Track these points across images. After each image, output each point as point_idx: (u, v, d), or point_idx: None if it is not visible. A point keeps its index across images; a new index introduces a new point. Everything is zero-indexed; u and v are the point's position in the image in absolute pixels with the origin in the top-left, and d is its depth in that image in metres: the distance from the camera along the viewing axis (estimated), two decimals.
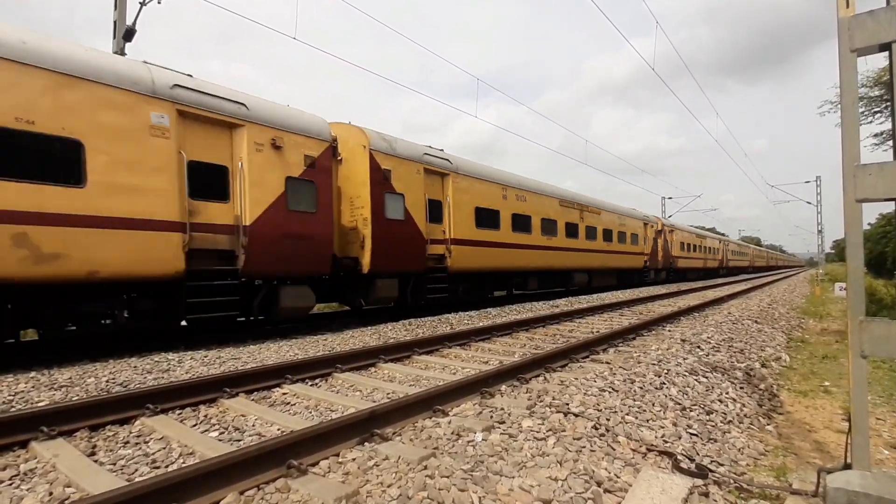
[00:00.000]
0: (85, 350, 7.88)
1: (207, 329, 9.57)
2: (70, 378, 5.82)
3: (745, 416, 4.87)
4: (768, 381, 6.45)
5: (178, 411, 4.54)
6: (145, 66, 7.84)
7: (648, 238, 29.21)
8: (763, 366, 7.24)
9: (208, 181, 8.39)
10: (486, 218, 15.02)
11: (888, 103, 9.67)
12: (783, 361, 7.89)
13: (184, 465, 3.33)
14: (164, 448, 3.66)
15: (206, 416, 4.48)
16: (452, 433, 3.66)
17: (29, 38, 6.61)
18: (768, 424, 4.85)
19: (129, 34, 10.99)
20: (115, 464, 3.42)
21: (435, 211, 13.16)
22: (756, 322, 11.23)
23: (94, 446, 3.74)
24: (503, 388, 5.00)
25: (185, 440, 3.77)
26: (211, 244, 8.32)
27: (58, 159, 6.70)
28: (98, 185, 6.94)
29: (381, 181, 11.49)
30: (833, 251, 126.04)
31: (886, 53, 3.12)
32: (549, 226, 18.46)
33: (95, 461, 3.44)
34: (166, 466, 3.39)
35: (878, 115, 9.50)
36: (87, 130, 6.93)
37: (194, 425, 4.24)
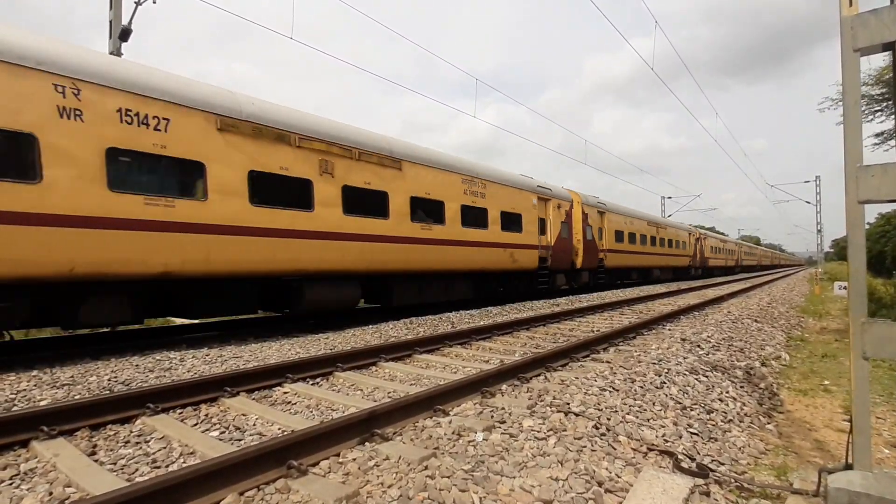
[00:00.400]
0: (87, 348, 7.89)
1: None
2: (72, 376, 5.83)
3: (745, 415, 4.88)
4: (768, 379, 6.45)
5: (179, 410, 4.52)
6: (531, 179, 18.32)
7: (690, 244, 39.30)
8: (763, 364, 7.24)
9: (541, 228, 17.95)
10: (622, 236, 25.70)
11: (889, 102, 9.67)
12: (783, 360, 7.90)
13: (184, 465, 3.34)
14: (165, 448, 3.66)
15: (206, 415, 4.47)
16: (453, 433, 3.65)
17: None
18: (769, 423, 4.85)
19: (125, 34, 11.05)
20: (115, 463, 3.42)
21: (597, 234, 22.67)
22: (756, 321, 11.23)
23: (95, 446, 3.73)
24: (504, 387, 5.00)
25: (185, 440, 3.77)
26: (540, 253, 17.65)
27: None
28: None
29: (584, 219, 21.14)
30: (832, 250, 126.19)
31: (889, 52, 3.13)
32: (643, 239, 28.84)
33: (96, 461, 3.43)
34: (167, 466, 3.39)
35: (879, 113, 9.50)
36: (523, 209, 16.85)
37: (195, 425, 4.23)
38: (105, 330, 10.99)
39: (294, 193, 9.43)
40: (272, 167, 9.05)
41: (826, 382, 6.55)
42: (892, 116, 2.70)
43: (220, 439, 3.88)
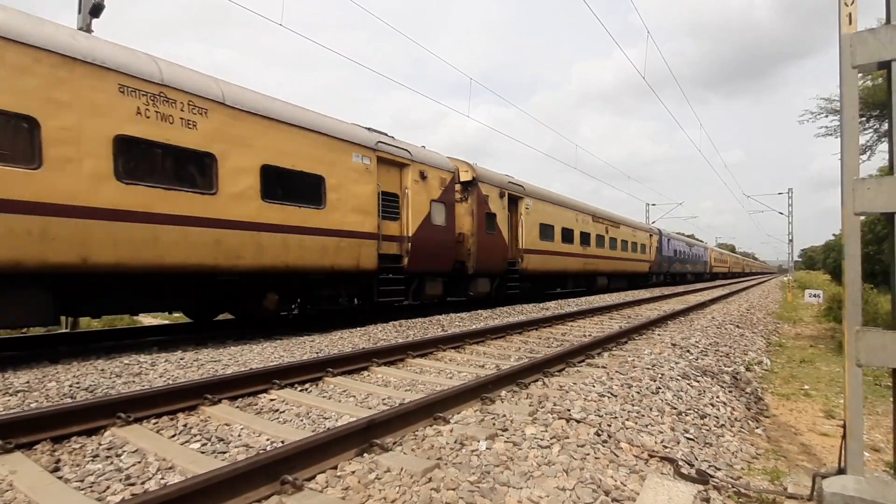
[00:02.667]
0: (44, 350, 7.50)
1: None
2: (28, 382, 5.43)
3: (735, 419, 4.97)
4: (753, 384, 6.60)
5: (153, 420, 4.22)
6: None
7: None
8: (747, 369, 7.40)
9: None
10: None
11: (875, 116, 9.98)
12: (765, 365, 8.07)
13: (164, 483, 3.12)
14: (140, 462, 3.39)
15: (186, 425, 4.17)
16: (455, 442, 3.60)
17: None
18: (757, 427, 4.95)
19: (96, 10, 10.34)
20: (82, 480, 3.14)
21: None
22: (738, 327, 11.46)
23: (58, 461, 3.43)
24: (503, 393, 4.99)
25: (163, 453, 3.51)
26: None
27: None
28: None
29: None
30: (801, 259, 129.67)
31: (884, 70, 3.22)
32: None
33: (60, 478, 3.16)
34: (143, 483, 3.13)
35: (864, 127, 9.82)
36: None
37: (173, 436, 3.96)
38: (64, 330, 10.59)
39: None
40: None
41: (806, 387, 6.72)
42: (889, 134, 2.78)
43: (202, 452, 3.64)
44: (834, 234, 55.58)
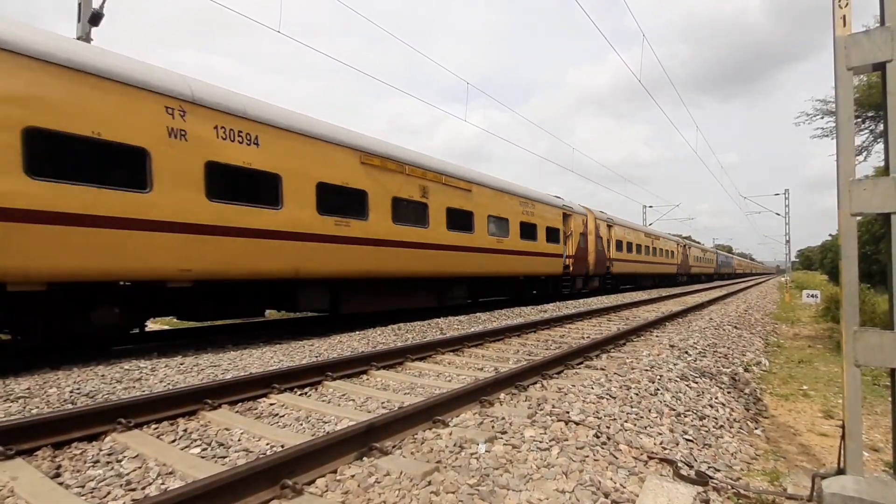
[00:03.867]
0: (44, 356, 7.45)
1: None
2: (28, 388, 5.42)
3: (734, 420, 4.97)
4: (752, 385, 6.60)
5: (154, 425, 4.23)
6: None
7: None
8: (746, 370, 7.40)
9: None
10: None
11: (872, 117, 10.02)
12: (763, 366, 8.08)
13: (164, 488, 3.13)
14: (140, 467, 3.40)
15: (186, 430, 4.19)
16: (454, 445, 3.60)
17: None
18: (756, 428, 4.95)
19: (95, 18, 10.33)
20: (83, 486, 3.15)
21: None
22: (736, 327, 11.47)
23: (59, 467, 3.44)
24: (502, 396, 5.00)
25: (163, 458, 3.51)
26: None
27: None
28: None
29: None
30: (798, 259, 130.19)
31: (878, 72, 3.24)
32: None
33: (61, 483, 3.17)
34: (143, 489, 3.13)
35: (856, 128, 9.87)
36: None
37: (173, 441, 3.97)
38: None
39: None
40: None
41: (805, 387, 6.73)
42: (884, 135, 2.80)
43: (203, 457, 3.65)
44: (831, 235, 55.80)
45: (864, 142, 10.56)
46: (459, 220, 14.17)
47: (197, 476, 3.07)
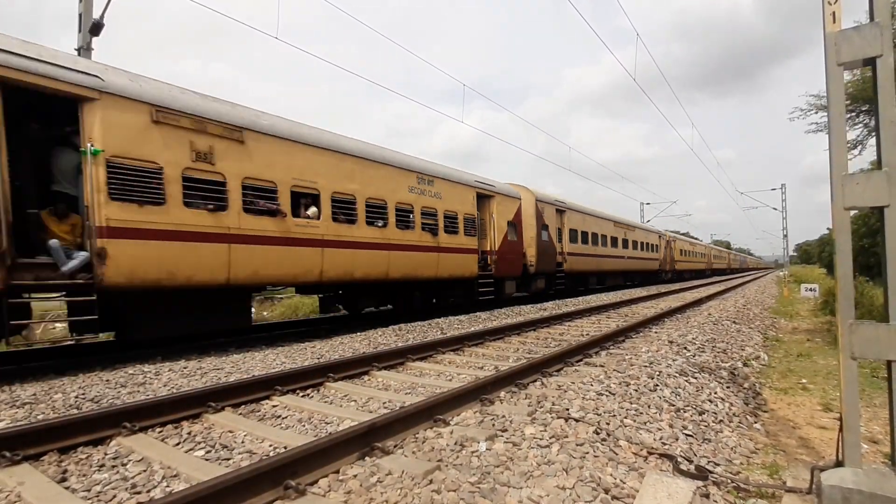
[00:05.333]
0: (50, 362, 7.51)
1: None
2: (34, 394, 5.48)
3: (734, 415, 5.00)
4: (751, 379, 6.64)
5: (158, 429, 4.27)
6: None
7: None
8: (745, 365, 7.44)
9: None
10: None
11: (865, 111, 10.06)
12: (762, 360, 8.12)
13: (168, 491, 3.16)
14: (145, 471, 3.43)
15: (189, 433, 4.22)
16: (455, 443, 3.63)
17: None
18: (756, 423, 4.98)
19: (95, 28, 10.49)
20: (89, 490, 3.18)
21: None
22: (734, 323, 11.51)
23: (65, 471, 3.47)
24: (502, 394, 5.02)
25: (167, 461, 3.55)
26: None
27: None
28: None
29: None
30: (796, 254, 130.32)
31: (869, 67, 3.27)
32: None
33: (67, 488, 3.20)
34: (148, 492, 3.17)
35: (849, 122, 9.89)
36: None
37: (177, 444, 4.00)
38: (69, 342, 10.62)
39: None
40: None
41: (804, 381, 6.76)
42: (875, 130, 2.82)
43: (206, 459, 3.68)
44: (828, 229, 55.87)
45: (858, 136, 10.61)
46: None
47: (201, 478, 3.09)
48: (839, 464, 3.14)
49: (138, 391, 5.70)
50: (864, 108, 10.05)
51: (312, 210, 10.45)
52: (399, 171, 12.69)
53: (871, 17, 3.16)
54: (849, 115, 10.03)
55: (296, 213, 10.07)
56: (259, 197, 9.36)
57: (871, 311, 10.81)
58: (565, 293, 22.41)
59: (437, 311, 14.63)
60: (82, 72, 7.18)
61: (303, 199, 10.37)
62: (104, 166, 7.20)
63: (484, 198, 16.39)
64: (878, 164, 3.19)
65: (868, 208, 3.23)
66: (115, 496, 3.12)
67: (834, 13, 3.23)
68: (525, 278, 18.73)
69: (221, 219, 8.68)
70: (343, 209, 11.07)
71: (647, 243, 35.98)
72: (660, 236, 39.36)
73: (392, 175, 12.42)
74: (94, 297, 7.07)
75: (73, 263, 6.90)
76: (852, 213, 3.30)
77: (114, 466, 3.55)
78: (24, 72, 6.59)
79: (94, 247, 7.09)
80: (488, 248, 16.49)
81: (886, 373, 3.06)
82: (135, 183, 7.53)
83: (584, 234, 24.49)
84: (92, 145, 7.12)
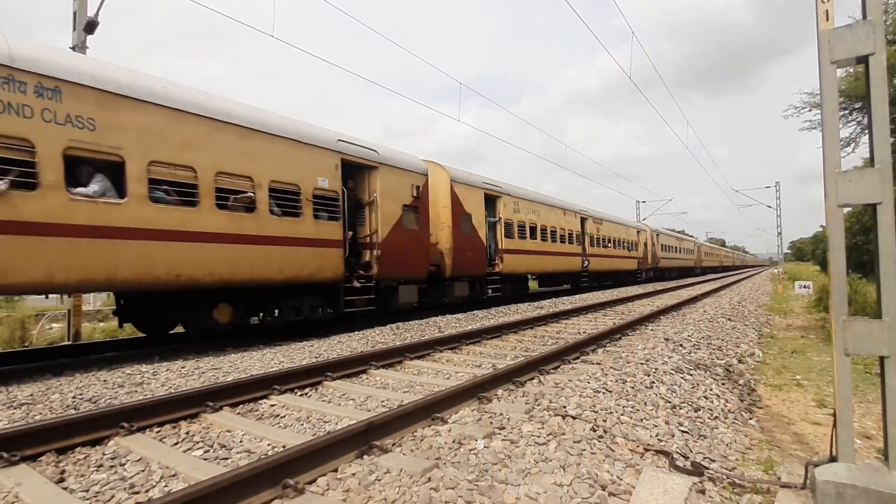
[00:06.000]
0: (47, 362, 7.45)
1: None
2: (31, 395, 5.44)
3: (729, 411, 5.04)
4: (746, 376, 6.68)
5: (156, 429, 4.26)
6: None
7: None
8: (740, 362, 7.49)
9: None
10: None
11: (858, 109, 10.11)
12: (757, 357, 8.17)
13: (167, 490, 3.15)
14: (143, 470, 3.43)
15: (188, 433, 4.22)
16: (454, 441, 3.65)
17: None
18: (751, 419, 5.02)
19: (90, 26, 10.48)
20: (87, 490, 3.17)
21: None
22: (730, 320, 11.57)
23: (63, 471, 3.46)
24: (500, 392, 5.04)
25: (166, 461, 3.54)
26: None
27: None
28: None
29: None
30: (790, 251, 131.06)
31: (861, 65, 3.29)
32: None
33: (65, 488, 3.20)
34: (147, 491, 3.17)
35: (843, 119, 9.96)
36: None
37: (175, 444, 3.99)
38: (66, 343, 10.60)
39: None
40: None
41: (798, 377, 6.81)
42: (868, 128, 2.86)
43: (205, 459, 3.68)
44: (822, 226, 56.17)
45: (851, 133, 10.68)
46: None
47: (199, 478, 3.09)
48: (833, 459, 3.17)
49: (136, 391, 5.68)
50: (857, 106, 10.11)
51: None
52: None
53: (864, 15, 3.18)
54: (842, 113, 10.09)
55: None
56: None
57: (864, 308, 10.88)
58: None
59: (410, 314, 13.09)
60: None
61: None
62: None
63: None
64: (870, 161, 3.22)
65: (861, 205, 3.27)
66: (113, 496, 3.11)
67: (827, 11, 3.25)
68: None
69: None
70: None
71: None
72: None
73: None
74: None
75: None
76: (846, 210, 3.33)
77: (112, 467, 3.53)
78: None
79: None
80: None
81: (879, 369, 3.09)
82: None
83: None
84: None
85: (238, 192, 8.87)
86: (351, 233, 11.18)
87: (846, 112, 10.33)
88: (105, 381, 6.14)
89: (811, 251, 78.40)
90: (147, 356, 7.94)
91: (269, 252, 9.31)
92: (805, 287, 17.55)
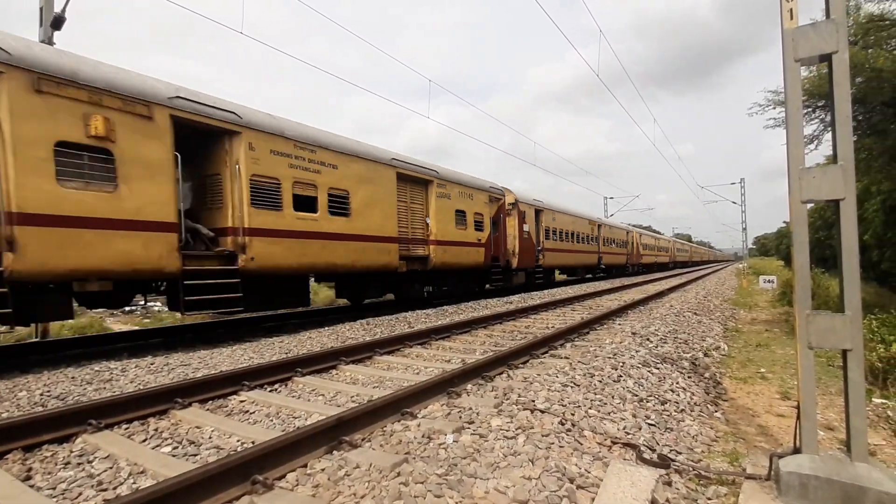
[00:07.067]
0: (14, 360, 7.33)
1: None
2: None
3: (695, 404, 5.12)
4: (711, 369, 6.80)
5: (124, 426, 4.21)
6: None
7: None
8: (706, 355, 7.62)
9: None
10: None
11: (822, 107, 10.36)
12: (722, 350, 8.33)
13: (135, 487, 3.12)
14: (111, 468, 3.40)
15: (156, 429, 4.19)
16: (423, 436, 3.65)
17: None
18: (716, 411, 5.11)
19: (57, 22, 10.31)
20: (54, 488, 3.15)
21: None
22: (695, 314, 11.79)
23: (30, 469, 3.43)
24: (469, 387, 5.04)
25: (134, 458, 3.52)
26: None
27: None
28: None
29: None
30: (755, 247, 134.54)
31: (825, 63, 3.35)
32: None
33: (32, 486, 3.17)
34: (115, 489, 3.13)
35: (807, 117, 10.19)
36: None
37: (144, 440, 3.96)
38: (35, 340, 10.32)
39: None
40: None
41: (762, 370, 6.97)
42: (831, 125, 2.93)
43: (174, 455, 3.66)
44: (785, 222, 57.84)
45: (815, 130, 10.95)
46: None
47: (168, 475, 3.07)
48: (797, 451, 3.23)
49: (104, 388, 5.60)
50: (820, 104, 10.39)
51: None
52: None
53: (828, 14, 3.23)
54: (806, 111, 10.37)
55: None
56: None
57: (826, 302, 11.21)
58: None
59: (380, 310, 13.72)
60: None
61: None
62: None
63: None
64: (833, 158, 3.28)
65: (824, 201, 3.34)
66: (80, 493, 3.08)
67: (791, 10, 3.30)
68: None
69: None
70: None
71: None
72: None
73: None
74: None
75: None
76: (809, 206, 3.40)
77: (79, 464, 3.51)
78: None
79: None
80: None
81: (842, 362, 3.16)
82: None
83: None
84: None
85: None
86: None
87: (810, 110, 10.60)
88: (73, 377, 6.04)
89: (775, 246, 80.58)
90: (116, 353, 7.84)
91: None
92: (769, 281, 18.01)
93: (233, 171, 9.31)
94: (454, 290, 16.32)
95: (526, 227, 20.67)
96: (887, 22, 9.51)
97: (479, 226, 17.19)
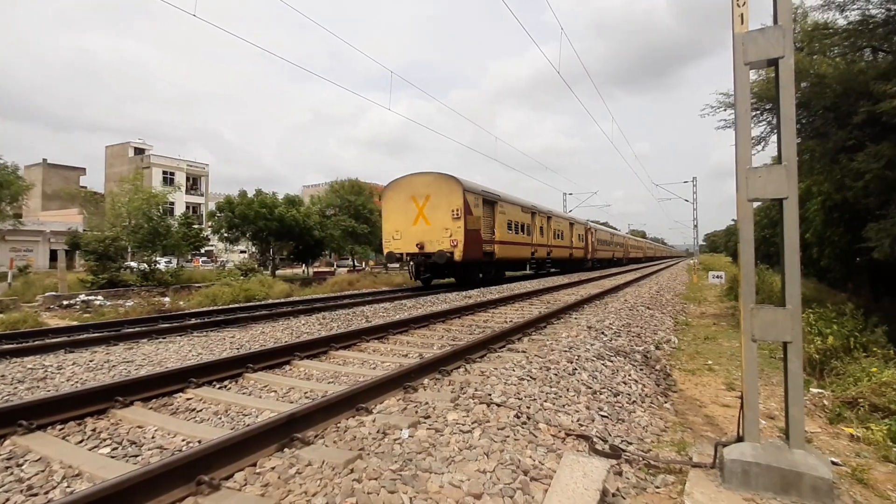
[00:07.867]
0: None
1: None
2: None
3: (646, 395, 5.27)
4: (662, 362, 7.01)
5: (59, 426, 4.00)
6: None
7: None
8: (657, 348, 7.85)
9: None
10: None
11: (769, 110, 10.75)
12: (672, 343, 8.60)
13: (69, 491, 2.97)
14: (43, 471, 3.23)
15: (94, 429, 4.00)
16: (378, 432, 3.61)
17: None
18: (666, 402, 5.27)
19: None
20: None
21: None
22: (648, 308, 12.13)
23: None
24: (426, 381, 5.02)
25: (69, 460, 3.35)
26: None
27: None
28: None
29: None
30: (705, 243, 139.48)
31: (773, 67, 3.47)
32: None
33: None
34: (46, 493, 2.98)
35: (755, 119, 10.57)
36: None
37: (80, 442, 3.79)
38: None
39: None
40: None
41: (710, 362, 7.23)
42: (777, 127, 3.06)
43: (113, 457, 3.51)
44: (733, 220, 59.98)
45: (762, 132, 11.38)
46: None
47: (106, 477, 2.93)
48: (740, 439, 3.37)
49: (38, 387, 5.33)
50: (767, 107, 10.80)
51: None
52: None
53: (775, 20, 3.34)
54: (754, 113, 10.76)
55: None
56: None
57: (770, 297, 11.68)
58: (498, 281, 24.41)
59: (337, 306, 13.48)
60: None
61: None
62: None
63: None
64: (778, 158, 3.41)
65: (769, 200, 3.46)
66: (8, 499, 2.92)
67: (742, 15, 3.40)
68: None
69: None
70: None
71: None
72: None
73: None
74: None
75: None
76: (755, 204, 3.52)
77: (7, 468, 3.31)
78: None
79: None
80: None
81: (783, 353, 3.30)
82: None
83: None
84: None
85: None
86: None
87: (758, 112, 11.00)
88: (3, 376, 5.71)
89: (724, 243, 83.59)
90: (51, 349, 7.39)
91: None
92: (718, 277, 18.67)
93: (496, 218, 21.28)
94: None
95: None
96: (831, 30, 9.93)
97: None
